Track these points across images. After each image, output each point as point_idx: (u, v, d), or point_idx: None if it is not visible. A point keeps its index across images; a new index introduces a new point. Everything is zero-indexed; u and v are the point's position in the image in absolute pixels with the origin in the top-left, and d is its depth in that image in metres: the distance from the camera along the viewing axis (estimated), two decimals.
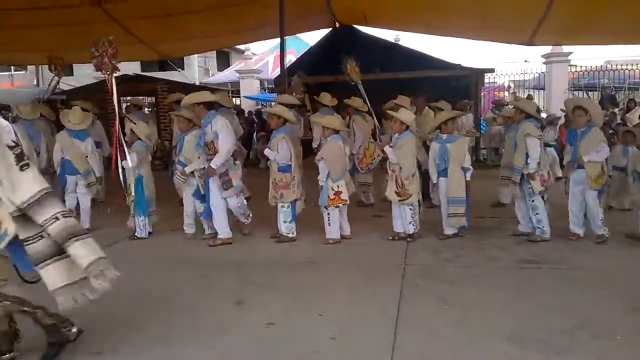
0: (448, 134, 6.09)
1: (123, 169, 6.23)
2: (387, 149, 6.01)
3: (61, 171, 6.84)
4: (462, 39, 12.26)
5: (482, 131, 12.76)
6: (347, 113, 8.42)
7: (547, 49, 16.37)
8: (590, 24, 8.67)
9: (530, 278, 4.90)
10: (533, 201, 6.00)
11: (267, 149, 6.18)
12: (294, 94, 9.98)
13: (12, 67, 18.71)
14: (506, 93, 18.68)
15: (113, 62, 6.19)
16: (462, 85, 12.35)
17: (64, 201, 6.86)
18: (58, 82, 10.24)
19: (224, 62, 29.71)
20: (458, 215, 5.99)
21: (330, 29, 13.07)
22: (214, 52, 26.37)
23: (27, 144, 6.72)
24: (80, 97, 9.74)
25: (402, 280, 4.83)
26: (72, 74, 20.57)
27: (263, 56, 21.75)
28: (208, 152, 6.05)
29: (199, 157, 6.20)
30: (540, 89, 18.03)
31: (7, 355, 3.44)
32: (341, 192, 6.05)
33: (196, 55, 24.52)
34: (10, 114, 10.69)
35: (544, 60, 17.38)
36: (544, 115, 14.04)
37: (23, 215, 3.07)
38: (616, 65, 17.72)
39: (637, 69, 17.02)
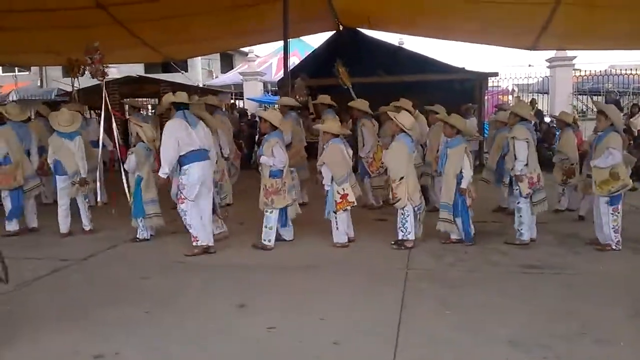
0: (450, 137, 6.06)
1: (126, 170, 6.26)
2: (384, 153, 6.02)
3: (54, 172, 6.85)
4: (466, 43, 12.27)
5: (486, 135, 12.74)
6: (350, 116, 8.42)
7: (551, 54, 16.37)
8: (594, 29, 8.69)
9: (532, 283, 4.88)
10: (518, 203, 6.01)
11: (262, 156, 6.02)
12: (297, 97, 9.98)
13: (16, 68, 18.77)
14: (510, 97, 18.67)
15: (102, 68, 6.35)
16: (466, 89, 12.33)
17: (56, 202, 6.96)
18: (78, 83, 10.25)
19: (227, 64, 29.77)
20: (445, 221, 5.98)
21: (334, 31, 13.07)
22: (218, 54, 26.41)
23: (17, 146, 6.81)
24: (85, 98, 9.74)
25: (404, 285, 4.82)
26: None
27: (266, 59, 21.77)
28: None
29: None
30: (544, 93, 18.01)
31: None
32: (347, 194, 6.02)
33: (200, 57, 24.56)
34: None
35: (548, 64, 17.38)
36: (547, 119, 14.08)
37: None
38: (620, 69, 17.69)
39: None
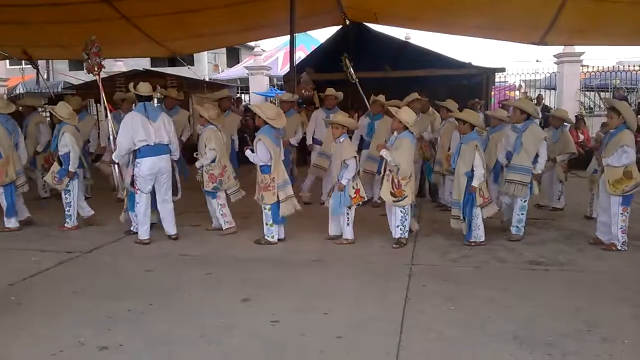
0: (463, 134, 5.98)
1: (118, 164, 6.30)
2: (383, 151, 5.82)
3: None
4: (473, 38, 12.20)
5: None
6: (355, 111, 8.38)
7: (559, 49, 16.28)
8: (602, 25, 8.62)
9: (538, 280, 4.86)
10: (525, 201, 6.00)
11: (247, 151, 5.99)
12: (303, 91, 9.97)
13: (23, 61, 18.82)
14: (517, 92, 18.59)
15: (98, 60, 6.30)
16: (472, 84, 12.28)
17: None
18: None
19: (233, 58, 29.76)
20: (456, 218, 5.91)
21: (341, 26, 13.03)
22: (224, 48, 26.37)
23: (7, 141, 6.76)
24: (90, 92, 9.80)
25: (408, 280, 4.82)
26: (83, 69, 20.63)
27: (273, 53, 21.76)
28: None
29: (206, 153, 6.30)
30: (552, 89, 17.94)
31: None
32: (359, 189, 6.01)
33: (206, 51, 24.55)
34: None
35: (555, 60, 17.29)
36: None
37: None
38: (628, 65, 17.59)
39: None
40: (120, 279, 5.01)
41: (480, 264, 5.34)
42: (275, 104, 12.13)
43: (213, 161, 6.34)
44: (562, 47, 15.59)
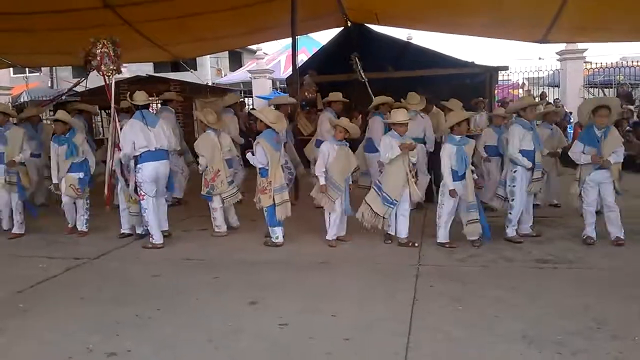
0: (461, 135, 5.83)
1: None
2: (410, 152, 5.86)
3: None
4: (475, 37, 12.16)
5: None
6: (359, 112, 8.35)
7: (562, 46, 16.23)
8: (605, 22, 8.58)
9: (546, 278, 4.84)
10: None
11: (248, 154, 6.07)
12: (306, 94, 9.97)
13: (27, 69, 18.93)
14: (520, 90, 18.55)
15: (117, 64, 6.30)
16: (475, 83, 12.24)
17: None
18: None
19: (236, 62, 29.80)
20: (476, 222, 5.77)
21: (342, 28, 13.03)
22: (226, 52, 26.43)
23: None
24: (96, 99, 9.82)
25: (416, 281, 4.80)
26: (86, 76, 20.68)
27: (275, 56, 21.78)
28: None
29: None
30: (555, 86, 17.87)
31: None
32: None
33: (208, 55, 24.59)
34: None
35: (558, 57, 17.22)
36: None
37: None
38: (632, 61, 17.51)
39: None
40: (127, 285, 5.01)
41: (488, 263, 5.32)
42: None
43: (206, 167, 6.51)
44: (565, 44, 15.53)
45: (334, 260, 5.55)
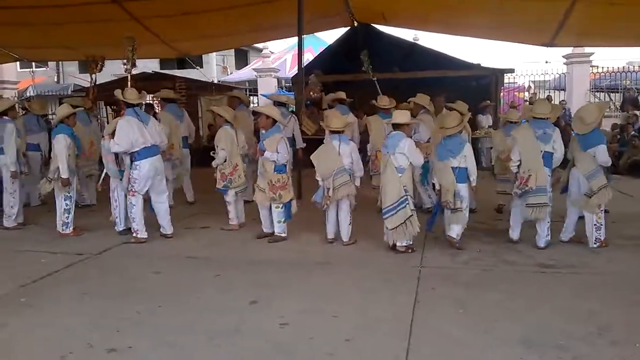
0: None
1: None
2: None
3: None
4: (482, 39, 12.14)
5: None
6: (364, 112, 8.34)
7: (568, 50, 16.18)
8: (611, 26, 8.56)
9: (548, 283, 4.82)
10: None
11: (266, 152, 6.04)
12: (311, 93, 9.98)
13: (33, 64, 18.97)
14: (526, 93, 18.50)
15: (134, 58, 6.61)
16: (481, 86, 12.24)
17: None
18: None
19: (242, 60, 29.82)
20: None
21: (349, 27, 13.02)
22: (233, 50, 26.45)
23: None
24: (101, 95, 9.87)
25: (417, 283, 4.79)
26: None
27: (281, 55, 21.78)
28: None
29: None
30: (561, 89, 17.82)
31: None
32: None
33: (215, 53, 24.62)
34: None
35: (565, 60, 17.17)
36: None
37: None
38: (638, 66, 17.45)
39: None
40: (129, 281, 5.02)
41: (490, 267, 5.30)
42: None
43: (225, 160, 6.55)
44: (572, 47, 15.49)
45: (337, 261, 5.55)
